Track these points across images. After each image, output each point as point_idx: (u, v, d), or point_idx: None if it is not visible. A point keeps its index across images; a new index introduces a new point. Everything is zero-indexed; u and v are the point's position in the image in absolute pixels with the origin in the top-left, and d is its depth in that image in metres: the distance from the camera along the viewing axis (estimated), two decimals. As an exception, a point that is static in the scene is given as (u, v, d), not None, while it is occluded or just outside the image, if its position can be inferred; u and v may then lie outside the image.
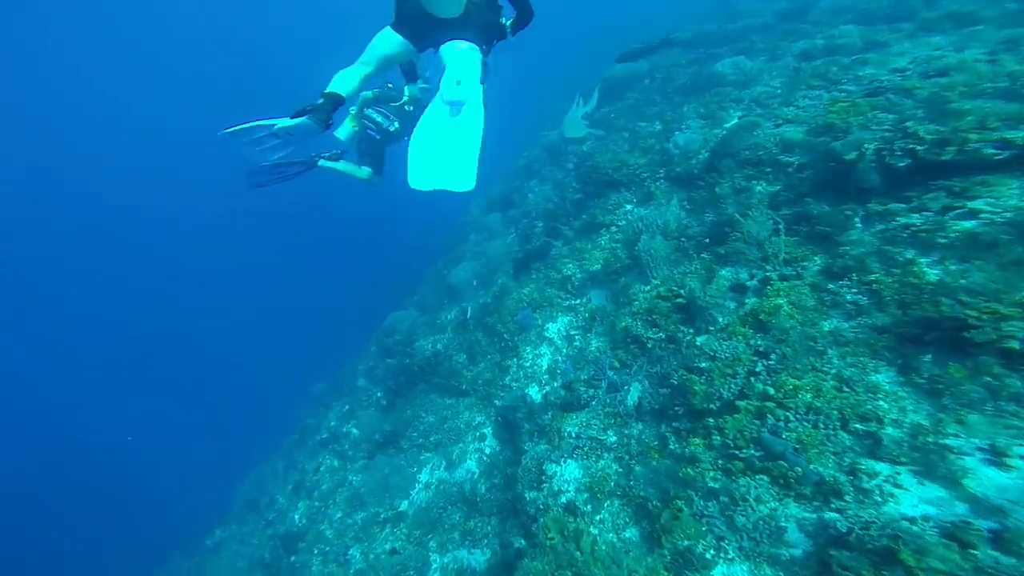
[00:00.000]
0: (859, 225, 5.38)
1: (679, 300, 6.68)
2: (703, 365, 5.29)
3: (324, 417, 14.43)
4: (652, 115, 11.89)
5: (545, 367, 9.39)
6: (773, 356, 4.70)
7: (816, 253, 5.60)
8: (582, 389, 7.42)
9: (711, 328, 6.14)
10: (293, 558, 9.70)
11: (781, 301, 5.08)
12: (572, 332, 9.21)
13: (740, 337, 5.23)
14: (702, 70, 12.34)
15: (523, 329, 10.09)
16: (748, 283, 5.87)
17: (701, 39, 14.72)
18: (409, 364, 13.09)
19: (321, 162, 6.65)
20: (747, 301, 5.88)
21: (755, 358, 4.88)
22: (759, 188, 7.43)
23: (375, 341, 15.60)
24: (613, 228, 9.90)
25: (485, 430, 9.61)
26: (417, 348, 13.63)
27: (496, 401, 9.74)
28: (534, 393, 9.14)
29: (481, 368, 10.51)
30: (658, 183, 9.56)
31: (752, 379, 4.70)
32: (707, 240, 7.45)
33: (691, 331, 6.46)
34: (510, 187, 17.32)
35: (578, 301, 9.62)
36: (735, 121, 9.75)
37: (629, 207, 9.98)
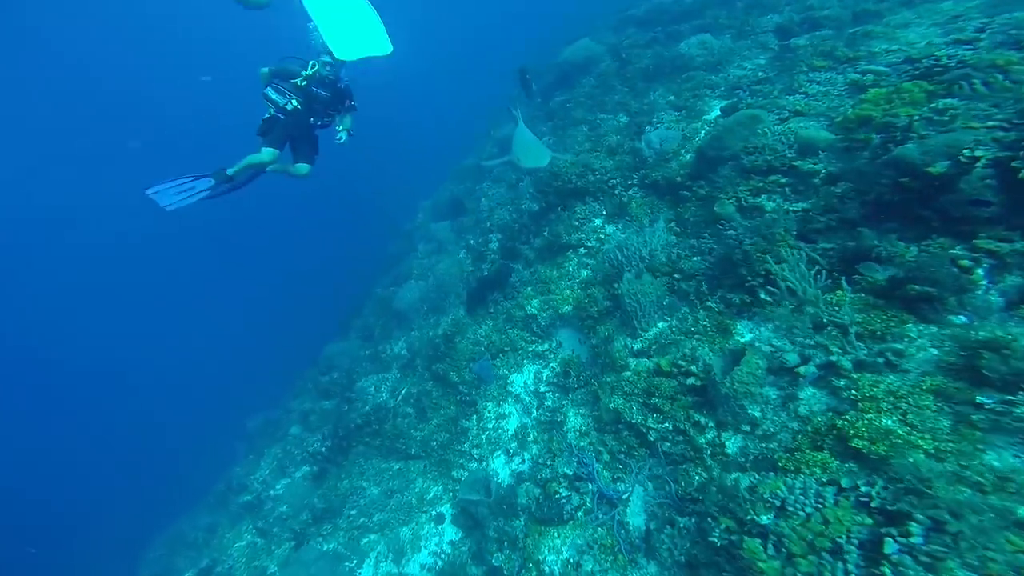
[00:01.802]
0: (984, 281, 3.34)
1: (690, 380, 4.56)
2: (764, 520, 3.18)
3: (254, 468, 11.82)
4: (614, 105, 9.68)
5: (512, 431, 7.20)
6: (914, 526, 2.62)
7: (905, 323, 3.54)
8: (563, 492, 5.25)
9: (745, 428, 4.06)
10: None
11: (889, 422, 3.00)
12: (543, 388, 7.02)
13: (817, 470, 3.15)
14: (664, 51, 10.17)
15: (482, 381, 7.86)
16: (801, 370, 3.78)
17: (657, 16, 12.52)
18: (348, 413, 10.65)
19: (229, 170, 5.97)
20: (801, 395, 3.80)
21: (868, 522, 2.79)
22: (772, 206, 5.36)
23: (311, 378, 13.03)
24: (582, 250, 7.70)
25: (442, 508, 7.38)
26: (358, 390, 11.19)
27: (454, 472, 7.51)
28: (500, 467, 6.96)
29: (433, 427, 8.23)
30: (632, 192, 7.39)
31: (886, 569, 2.60)
32: (712, 281, 5.35)
33: (711, 423, 4.38)
34: (460, 189, 14.86)
35: (546, 346, 7.43)
36: (716, 113, 7.64)
37: (598, 221, 7.79)
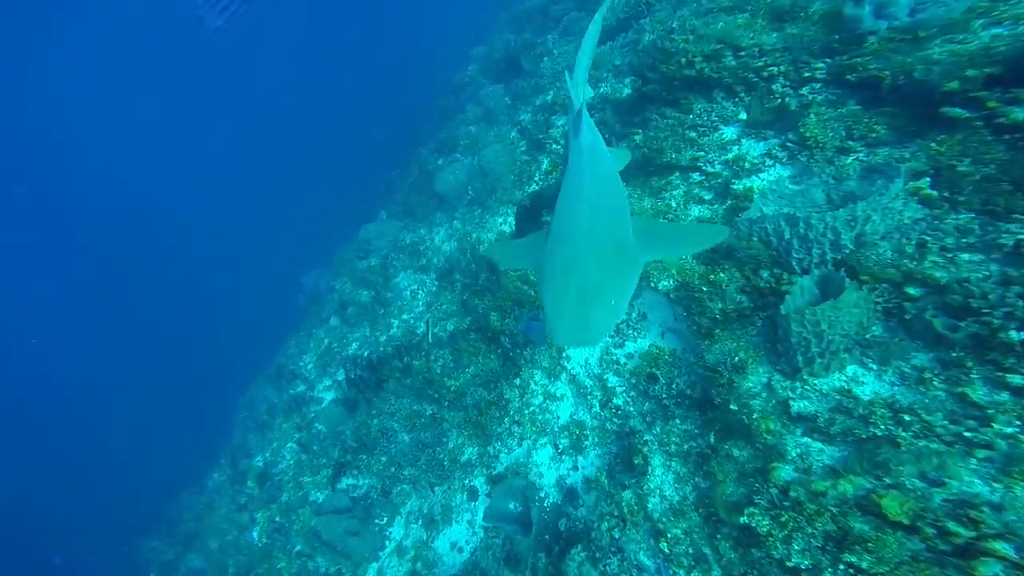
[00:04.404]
0: None
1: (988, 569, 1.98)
2: None
3: (304, 349, 10.50)
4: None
5: (564, 420, 5.05)
6: None
7: None
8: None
9: None
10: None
11: None
12: (612, 380, 4.59)
13: None
14: None
15: (530, 343, 5.49)
16: None
17: None
18: (382, 318, 8.76)
19: None
20: None
21: None
22: None
23: (350, 259, 10.94)
24: (696, 175, 4.55)
25: (476, 481, 5.66)
26: (394, 288, 9.20)
27: (491, 447, 5.62)
28: (544, 465, 5.00)
29: (469, 377, 6.18)
30: (808, 91, 3.89)
31: None
32: None
33: None
34: (518, 42, 10.71)
35: (623, 318, 4.78)
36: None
37: (730, 132, 4.47)
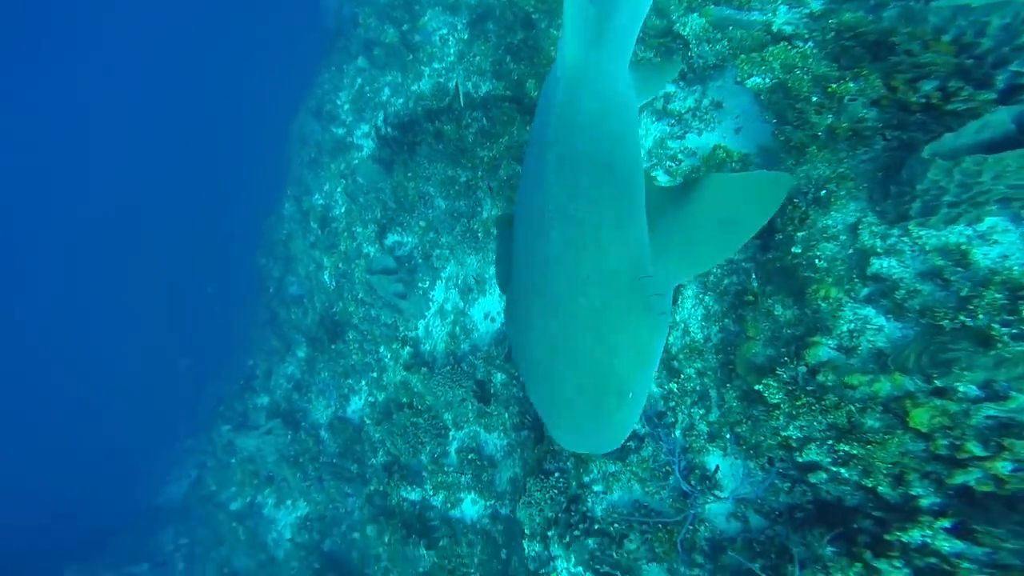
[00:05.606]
0: None
1: None
2: None
3: (337, 85, 9.40)
4: None
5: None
6: None
7: None
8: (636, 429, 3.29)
9: None
10: (334, 346, 7.87)
11: None
12: (663, 179, 3.86)
13: None
14: None
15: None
16: None
17: None
18: (411, 65, 7.39)
19: None
20: None
21: None
22: None
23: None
24: None
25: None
26: (422, 30, 7.53)
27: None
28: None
29: (503, 148, 5.55)
30: None
31: None
32: None
33: None
34: None
35: (691, 101, 3.65)
36: None
37: None
